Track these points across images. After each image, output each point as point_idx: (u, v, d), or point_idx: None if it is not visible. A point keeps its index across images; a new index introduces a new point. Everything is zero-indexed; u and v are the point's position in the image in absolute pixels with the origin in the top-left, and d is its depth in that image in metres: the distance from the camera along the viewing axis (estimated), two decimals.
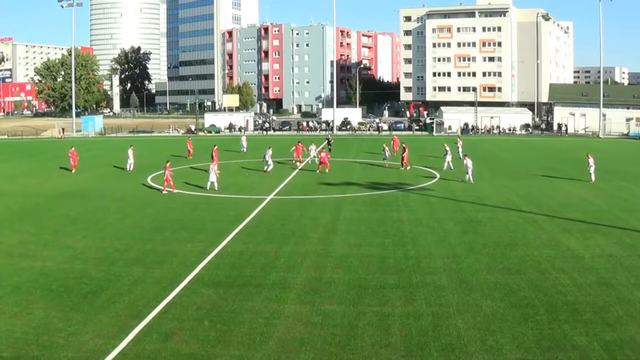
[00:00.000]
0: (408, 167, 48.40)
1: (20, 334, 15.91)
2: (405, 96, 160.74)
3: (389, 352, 14.75)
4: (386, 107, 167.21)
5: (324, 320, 16.64)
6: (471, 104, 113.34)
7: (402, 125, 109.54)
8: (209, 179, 38.51)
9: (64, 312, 17.48)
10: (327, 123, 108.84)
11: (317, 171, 46.31)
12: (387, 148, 52.42)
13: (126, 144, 59.14)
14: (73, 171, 48.75)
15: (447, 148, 50.47)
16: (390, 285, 19.45)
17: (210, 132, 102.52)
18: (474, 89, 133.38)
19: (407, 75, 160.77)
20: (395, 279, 20.06)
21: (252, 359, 14.51)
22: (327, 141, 63.79)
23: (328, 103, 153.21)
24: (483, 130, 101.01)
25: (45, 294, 19.04)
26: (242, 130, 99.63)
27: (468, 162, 41.14)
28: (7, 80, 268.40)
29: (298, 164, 51.38)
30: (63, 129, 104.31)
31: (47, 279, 20.52)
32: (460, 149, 56.06)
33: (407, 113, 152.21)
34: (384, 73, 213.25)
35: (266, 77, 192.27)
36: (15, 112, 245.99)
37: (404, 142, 55.50)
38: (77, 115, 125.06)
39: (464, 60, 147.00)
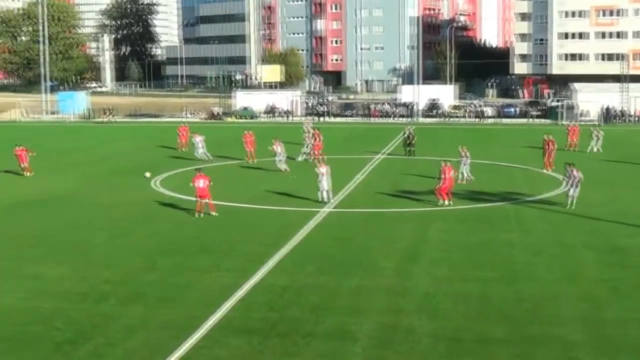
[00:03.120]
0: (550, 169, 47.97)
1: None
2: (519, 68, 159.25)
3: None
4: (492, 84, 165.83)
5: None
6: (616, 78, 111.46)
7: (514, 110, 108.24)
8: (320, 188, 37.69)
9: None
10: (407, 106, 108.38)
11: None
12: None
13: (124, 132, 59.85)
14: (29, 174, 48.11)
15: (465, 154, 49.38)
16: (496, 340, 19.22)
17: (242, 117, 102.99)
18: (622, 58, 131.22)
19: (521, 37, 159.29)
20: (503, 331, 19.82)
21: None
22: (405, 137, 60.35)
23: (408, 78, 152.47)
24: (634, 118, 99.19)
25: None
26: (289, 116, 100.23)
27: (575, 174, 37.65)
28: None
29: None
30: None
31: None
32: (596, 143, 55.45)
33: (522, 92, 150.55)
34: (488, 35, 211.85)
35: (320, 40, 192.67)
36: None
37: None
38: (52, 90, 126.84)
39: (607, 14, 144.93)
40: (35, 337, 19.59)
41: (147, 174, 44.45)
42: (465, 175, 44.84)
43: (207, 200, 34.28)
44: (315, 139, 53.99)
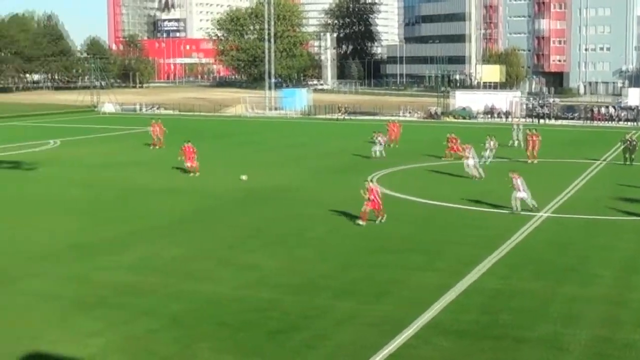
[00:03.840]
0: None
1: None
2: None
3: None
4: None
5: None
6: None
7: None
8: (516, 196, 34.89)
9: (242, 356, 18.25)
10: (633, 110, 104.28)
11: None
12: None
13: (344, 128, 60.77)
14: (196, 174, 47.16)
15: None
16: None
17: (460, 117, 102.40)
18: None
19: None
20: None
21: None
22: (625, 145, 55.61)
23: (635, 80, 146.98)
24: None
25: (214, 329, 19.99)
26: (518, 118, 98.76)
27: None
28: (177, 34, 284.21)
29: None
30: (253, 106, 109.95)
31: (218, 309, 21.59)
32: None
33: None
34: None
35: (543, 40, 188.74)
36: (191, 78, 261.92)
37: None
38: (275, 86, 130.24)
39: None
40: (252, 325, 20.16)
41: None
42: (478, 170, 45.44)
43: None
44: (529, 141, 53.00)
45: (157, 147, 62.65)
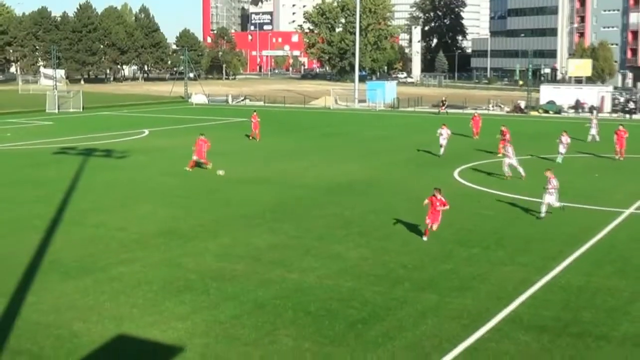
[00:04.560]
0: None
1: None
2: None
3: None
4: None
5: None
6: None
7: None
8: (544, 200, 32.63)
9: (322, 344, 18.41)
10: None
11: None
12: None
13: (426, 123, 60.62)
14: (209, 166, 45.70)
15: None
16: None
17: (547, 111, 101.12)
18: None
19: None
20: None
21: None
22: None
23: None
24: None
25: (298, 317, 20.23)
26: (594, 112, 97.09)
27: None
28: (266, 27, 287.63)
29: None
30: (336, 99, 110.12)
31: (303, 296, 21.84)
32: None
33: None
34: None
35: (635, 34, 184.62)
36: (277, 71, 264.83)
37: None
38: (361, 79, 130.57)
39: None
40: (333, 314, 20.36)
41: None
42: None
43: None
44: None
45: (256, 138, 62.63)
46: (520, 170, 42.61)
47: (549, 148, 53.13)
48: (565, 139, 49.56)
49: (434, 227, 27.87)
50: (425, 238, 27.93)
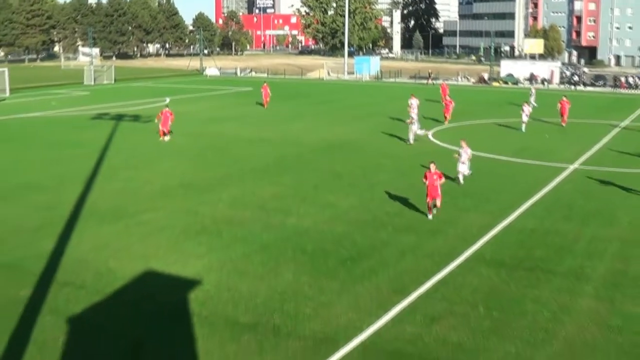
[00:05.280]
0: None
1: (263, 298, 17.10)
2: None
3: None
4: None
5: (624, 324, 15.83)
6: None
7: None
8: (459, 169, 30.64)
9: (317, 278, 18.50)
10: None
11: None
12: None
13: (406, 92, 60.39)
14: (167, 138, 42.13)
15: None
16: None
17: (506, 82, 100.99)
18: None
19: None
20: None
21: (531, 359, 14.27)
22: None
23: None
24: None
25: (297, 255, 20.31)
26: (545, 83, 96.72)
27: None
28: (268, 10, 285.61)
29: None
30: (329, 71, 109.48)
31: (301, 238, 21.89)
32: None
33: None
34: None
35: (578, 19, 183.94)
36: (278, 47, 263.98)
37: None
38: (350, 55, 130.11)
39: None
40: (327, 253, 20.45)
41: (421, 132, 42.97)
42: None
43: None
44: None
45: (264, 106, 61.62)
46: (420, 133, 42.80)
47: (509, 113, 53.00)
48: (527, 108, 48.93)
49: (438, 202, 24.38)
50: (430, 216, 24.28)
